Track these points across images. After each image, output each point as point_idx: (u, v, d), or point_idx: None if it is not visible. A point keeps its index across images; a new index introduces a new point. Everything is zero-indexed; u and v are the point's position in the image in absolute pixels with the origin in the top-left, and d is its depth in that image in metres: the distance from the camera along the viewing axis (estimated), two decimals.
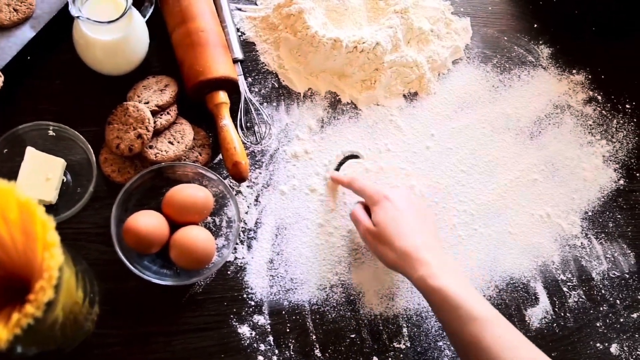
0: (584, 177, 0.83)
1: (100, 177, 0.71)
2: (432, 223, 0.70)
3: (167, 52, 0.76)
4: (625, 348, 0.76)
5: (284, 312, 0.70)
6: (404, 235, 0.65)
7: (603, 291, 0.78)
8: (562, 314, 0.76)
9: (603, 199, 0.83)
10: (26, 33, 0.72)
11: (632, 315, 0.77)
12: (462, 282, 0.62)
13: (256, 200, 0.74)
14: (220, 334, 0.68)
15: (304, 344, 0.70)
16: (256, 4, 0.83)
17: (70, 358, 0.64)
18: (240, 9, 0.83)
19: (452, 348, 0.72)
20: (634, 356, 0.75)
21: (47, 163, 0.68)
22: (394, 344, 0.71)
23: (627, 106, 0.88)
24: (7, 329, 0.43)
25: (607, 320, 0.77)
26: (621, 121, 0.87)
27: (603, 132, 0.86)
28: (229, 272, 0.71)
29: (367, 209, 0.71)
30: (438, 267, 0.62)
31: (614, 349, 0.75)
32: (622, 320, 0.77)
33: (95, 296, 0.64)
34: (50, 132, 0.70)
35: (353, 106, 0.81)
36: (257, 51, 0.81)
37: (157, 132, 0.71)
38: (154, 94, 0.73)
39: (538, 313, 0.75)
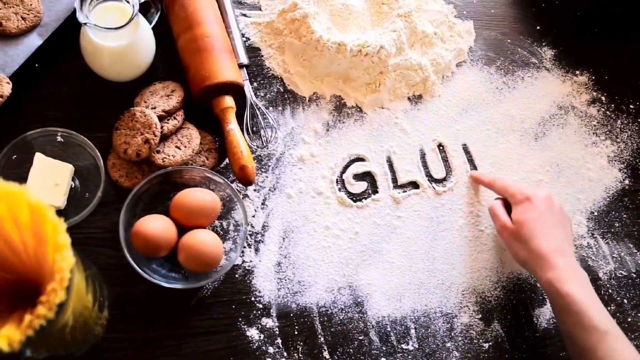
0: (589, 178, 0.83)
1: (108, 182, 0.71)
2: (568, 229, 0.72)
3: (173, 57, 0.77)
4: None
5: (292, 315, 0.71)
6: (540, 238, 0.68)
7: (610, 291, 0.78)
8: None
9: (609, 199, 0.83)
10: (34, 41, 0.72)
11: (639, 315, 0.77)
12: (588, 291, 0.65)
13: (263, 203, 0.75)
14: (228, 337, 0.69)
15: (312, 346, 0.70)
16: (261, 10, 0.84)
17: None
18: (245, 15, 0.83)
19: (460, 349, 0.72)
20: None
21: (55, 169, 0.68)
22: (402, 345, 0.71)
23: (631, 106, 0.88)
24: (20, 331, 0.43)
25: (615, 320, 0.76)
26: (625, 121, 0.87)
27: (607, 132, 0.86)
28: (236, 276, 0.71)
29: (506, 206, 0.73)
30: (567, 272, 0.65)
31: None
32: (629, 320, 0.77)
33: (105, 300, 0.64)
34: (59, 138, 0.71)
35: (358, 109, 0.81)
36: (262, 56, 0.82)
37: (164, 137, 0.72)
38: (161, 99, 0.73)
39: (546, 313, 0.75)
